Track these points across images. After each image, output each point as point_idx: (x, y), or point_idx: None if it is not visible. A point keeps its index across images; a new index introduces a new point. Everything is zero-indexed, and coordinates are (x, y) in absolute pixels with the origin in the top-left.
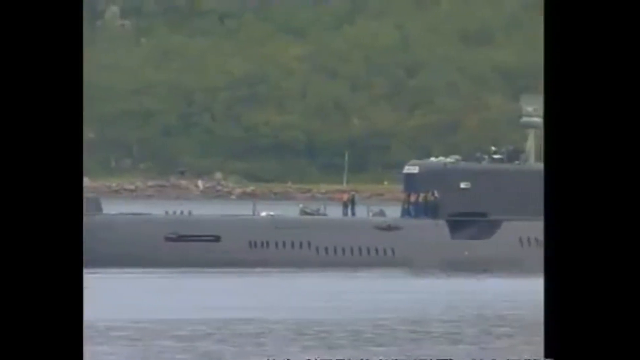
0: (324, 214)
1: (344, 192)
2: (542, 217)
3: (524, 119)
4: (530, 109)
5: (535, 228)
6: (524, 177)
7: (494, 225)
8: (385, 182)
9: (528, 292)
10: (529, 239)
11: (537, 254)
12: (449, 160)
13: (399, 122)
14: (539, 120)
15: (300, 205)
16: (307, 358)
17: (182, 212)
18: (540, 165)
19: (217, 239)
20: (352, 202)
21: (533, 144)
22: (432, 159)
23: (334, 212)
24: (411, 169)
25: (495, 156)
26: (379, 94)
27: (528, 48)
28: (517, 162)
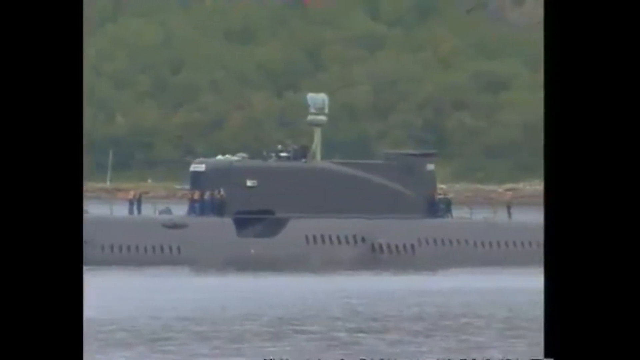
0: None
1: (128, 190)
2: (327, 215)
3: (310, 117)
4: (313, 107)
5: (321, 225)
6: (310, 175)
7: (280, 223)
8: (149, 180)
9: (311, 290)
10: (314, 237)
11: (322, 252)
12: (235, 158)
13: (163, 119)
14: (324, 118)
15: None
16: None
17: None
18: (327, 164)
19: None
20: (139, 200)
21: (319, 142)
22: (219, 156)
23: (118, 210)
24: (198, 166)
25: (282, 154)
26: (143, 91)
27: (291, 46)
28: (303, 160)
